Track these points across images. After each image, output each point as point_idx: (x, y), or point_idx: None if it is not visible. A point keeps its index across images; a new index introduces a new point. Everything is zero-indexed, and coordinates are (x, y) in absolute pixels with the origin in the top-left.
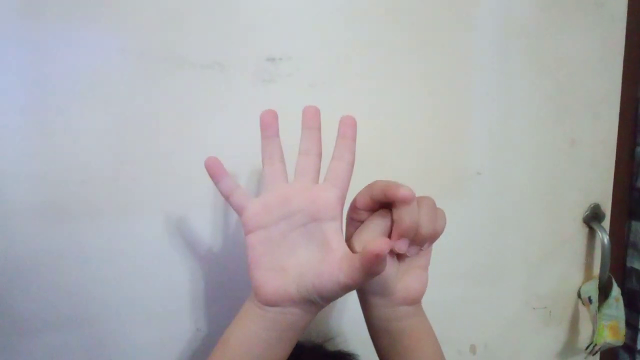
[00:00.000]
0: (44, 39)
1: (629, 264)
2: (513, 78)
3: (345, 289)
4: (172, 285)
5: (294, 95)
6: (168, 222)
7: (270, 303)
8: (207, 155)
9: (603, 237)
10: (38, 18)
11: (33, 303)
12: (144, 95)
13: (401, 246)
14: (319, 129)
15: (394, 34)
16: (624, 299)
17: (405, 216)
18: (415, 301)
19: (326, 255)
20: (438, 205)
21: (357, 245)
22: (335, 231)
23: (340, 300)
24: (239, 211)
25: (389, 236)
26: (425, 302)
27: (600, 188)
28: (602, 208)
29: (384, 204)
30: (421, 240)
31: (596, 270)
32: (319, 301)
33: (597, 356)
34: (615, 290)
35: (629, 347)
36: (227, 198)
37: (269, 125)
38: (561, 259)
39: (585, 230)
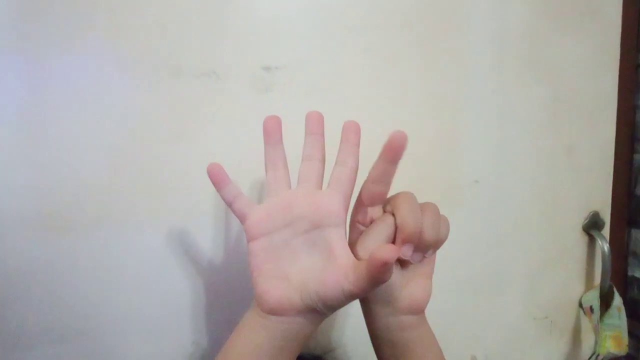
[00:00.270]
0: (40, 49)
1: (630, 273)
2: (509, 86)
3: (350, 297)
4: (170, 298)
5: (290, 104)
6: (165, 233)
7: (273, 312)
8: (204, 164)
9: (603, 245)
10: (33, 28)
11: (28, 315)
12: (139, 104)
13: (405, 252)
14: (322, 134)
15: (389, 42)
16: (625, 309)
17: (409, 221)
18: (419, 310)
19: (330, 262)
20: None
21: (361, 252)
22: (339, 238)
23: (341, 311)
24: (242, 218)
25: (393, 242)
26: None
27: (599, 196)
28: (602, 216)
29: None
30: (425, 247)
31: (597, 279)
32: (322, 309)
33: None
34: (617, 300)
35: (632, 357)
36: (229, 205)
37: (272, 131)
38: (561, 268)
39: (585, 238)
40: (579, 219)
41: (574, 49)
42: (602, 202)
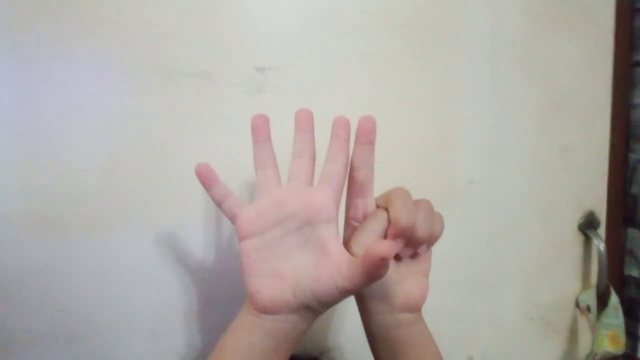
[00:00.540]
0: (32, 50)
1: (626, 272)
2: (504, 87)
3: (344, 294)
4: (163, 300)
5: (283, 105)
6: (158, 235)
7: (266, 311)
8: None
9: (599, 244)
10: (26, 30)
11: (19, 318)
12: (132, 105)
13: (396, 245)
14: (312, 131)
15: (382, 43)
16: (622, 307)
17: (402, 216)
18: (416, 308)
19: (323, 258)
20: None
21: (355, 248)
22: (331, 234)
23: (337, 312)
24: (232, 218)
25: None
26: None
27: (594, 195)
28: (597, 215)
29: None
30: (418, 242)
31: (593, 278)
32: (316, 307)
33: None
34: (614, 299)
35: (629, 356)
36: (219, 205)
37: (260, 129)
38: (558, 268)
39: (581, 238)
40: (575, 218)
41: (568, 49)
42: (597, 201)
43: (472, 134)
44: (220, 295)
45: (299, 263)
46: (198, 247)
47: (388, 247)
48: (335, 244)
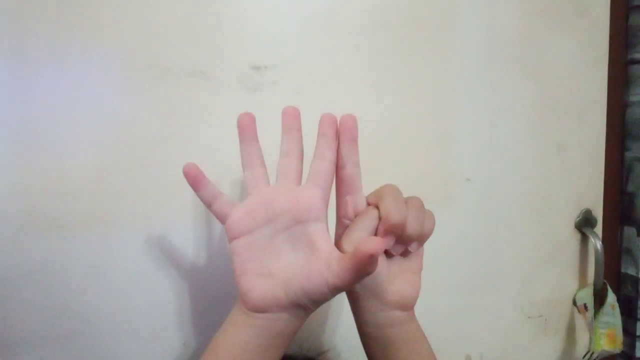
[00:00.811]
0: (27, 49)
1: (623, 270)
2: (499, 84)
3: (335, 290)
4: (159, 299)
5: (280, 104)
6: (152, 234)
7: (258, 309)
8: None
9: (596, 242)
10: (20, 28)
11: (13, 319)
12: (127, 104)
13: (387, 243)
14: (299, 129)
15: (378, 41)
16: (619, 306)
17: (393, 212)
18: (408, 306)
19: (313, 256)
20: None
21: (347, 245)
22: (321, 231)
23: (333, 313)
24: (222, 218)
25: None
26: (417, 312)
27: (590, 193)
28: (594, 213)
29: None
30: (408, 240)
31: (590, 277)
32: (307, 304)
33: None
34: (611, 297)
35: (626, 355)
36: (209, 206)
37: (246, 128)
38: (554, 266)
39: (578, 236)
40: (571, 216)
41: (564, 47)
42: (594, 199)
43: (468, 132)
44: (216, 295)
45: (289, 261)
46: (195, 247)
47: (377, 244)
48: (324, 241)
